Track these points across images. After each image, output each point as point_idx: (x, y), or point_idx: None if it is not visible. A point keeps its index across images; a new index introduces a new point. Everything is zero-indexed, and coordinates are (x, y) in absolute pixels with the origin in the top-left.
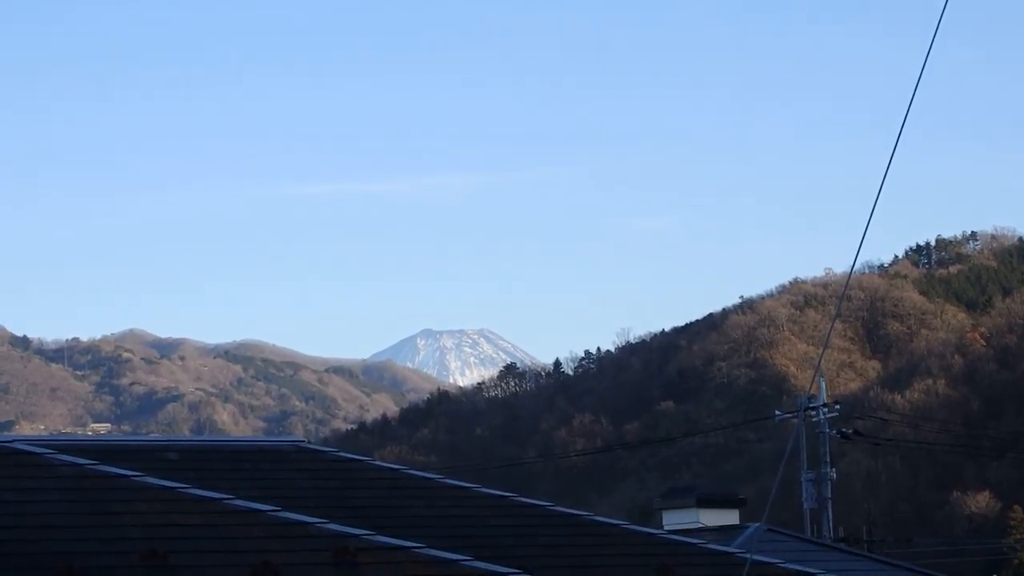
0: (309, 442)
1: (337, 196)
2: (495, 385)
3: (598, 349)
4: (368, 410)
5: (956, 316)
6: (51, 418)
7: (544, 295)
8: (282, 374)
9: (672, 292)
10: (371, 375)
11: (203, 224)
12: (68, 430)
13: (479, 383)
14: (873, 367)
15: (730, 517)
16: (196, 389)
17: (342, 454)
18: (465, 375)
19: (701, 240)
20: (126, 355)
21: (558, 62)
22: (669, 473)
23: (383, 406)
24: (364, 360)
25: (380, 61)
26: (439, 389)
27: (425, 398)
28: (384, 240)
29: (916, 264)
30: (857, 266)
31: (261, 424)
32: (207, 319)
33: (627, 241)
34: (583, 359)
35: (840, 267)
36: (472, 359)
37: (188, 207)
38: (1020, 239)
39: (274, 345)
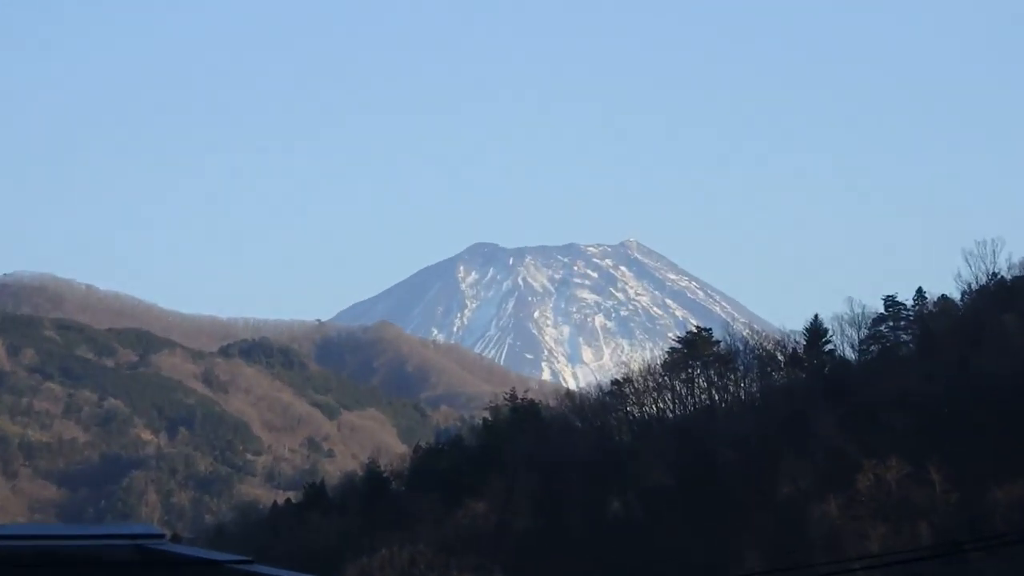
0: (175, 536)
1: None
2: (658, 381)
3: (919, 294)
4: (332, 452)
5: None
6: None
7: (771, 185)
8: (106, 363)
9: None
10: (337, 358)
11: None
12: None
13: (617, 381)
14: None
15: None
16: None
17: (258, 569)
18: (583, 355)
19: None
20: None
21: None
22: None
23: (371, 439)
24: (321, 324)
25: None
26: (513, 393)
27: (479, 416)
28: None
29: None
30: None
31: (52, 491)
32: None
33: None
34: (881, 319)
35: None
36: (597, 317)
37: None
38: None
39: (89, 287)
